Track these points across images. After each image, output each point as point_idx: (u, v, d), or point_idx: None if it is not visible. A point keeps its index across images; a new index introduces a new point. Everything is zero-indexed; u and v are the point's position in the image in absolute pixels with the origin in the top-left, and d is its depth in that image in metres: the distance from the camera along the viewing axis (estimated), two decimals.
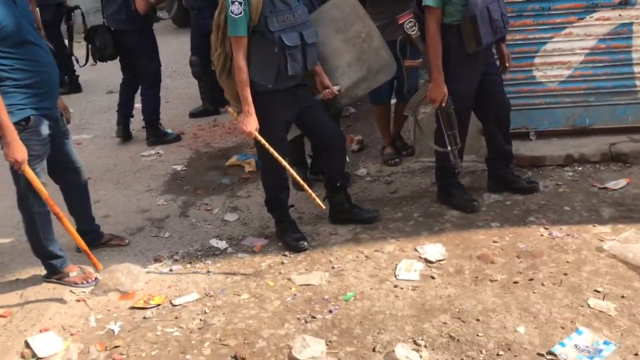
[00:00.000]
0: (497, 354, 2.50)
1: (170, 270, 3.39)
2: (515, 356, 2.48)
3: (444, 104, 3.46)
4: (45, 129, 3.04)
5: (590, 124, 4.39)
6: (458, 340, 2.61)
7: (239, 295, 3.08)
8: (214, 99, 5.89)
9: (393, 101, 4.54)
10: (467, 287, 2.98)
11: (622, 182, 3.89)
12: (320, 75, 3.47)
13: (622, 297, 2.78)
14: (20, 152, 2.85)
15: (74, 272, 3.25)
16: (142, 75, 5.42)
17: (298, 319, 2.85)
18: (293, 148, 4.06)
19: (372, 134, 5.02)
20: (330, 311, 2.88)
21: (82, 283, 3.22)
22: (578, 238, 3.32)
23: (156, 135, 5.49)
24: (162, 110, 5.66)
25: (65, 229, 3.14)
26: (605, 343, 2.50)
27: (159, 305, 3.06)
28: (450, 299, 2.89)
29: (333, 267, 3.26)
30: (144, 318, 2.97)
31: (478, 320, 2.72)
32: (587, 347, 2.49)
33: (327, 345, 2.65)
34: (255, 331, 2.79)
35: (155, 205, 4.26)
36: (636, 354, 2.42)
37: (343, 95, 3.60)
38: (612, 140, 4.31)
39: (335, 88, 3.49)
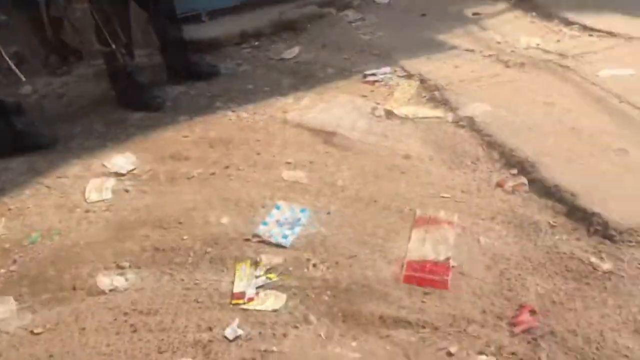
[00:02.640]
0: (206, 252, 2.42)
1: None
2: (224, 248, 2.44)
3: None
4: None
5: None
6: (163, 249, 2.46)
7: None
8: None
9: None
10: (165, 191, 2.82)
11: (296, 50, 4.01)
12: None
13: (310, 162, 2.91)
14: None
15: None
16: None
17: None
18: None
19: (31, 44, 4.32)
20: (15, 261, 2.47)
21: None
22: (265, 114, 3.35)
23: None
24: None
25: None
26: (301, 211, 2.60)
27: None
28: (148, 209, 2.70)
29: (9, 209, 2.78)
30: None
31: (181, 223, 2.59)
32: (286, 219, 2.56)
33: (17, 300, 2.28)
34: None
35: None
36: (328, 213, 2.57)
37: None
38: (281, 9, 4.38)
39: None
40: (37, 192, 2.89)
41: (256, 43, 4.18)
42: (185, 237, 2.51)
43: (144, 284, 2.30)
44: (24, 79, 3.84)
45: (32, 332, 2.14)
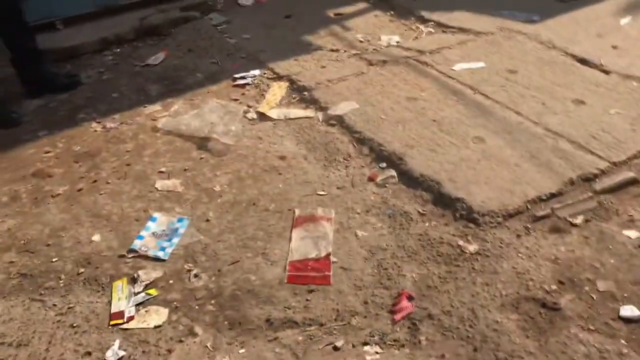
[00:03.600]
0: (78, 273, 2.30)
1: None
2: (97, 267, 2.32)
3: None
4: None
5: (117, 0, 4.21)
6: (31, 275, 2.30)
7: None
8: None
9: None
10: (28, 212, 2.63)
11: (161, 56, 3.90)
12: None
13: (185, 170, 2.84)
14: None
15: None
16: None
17: None
18: None
19: None
20: None
21: None
22: (133, 124, 3.22)
23: None
24: None
25: None
26: (179, 220, 2.54)
27: None
28: (11, 233, 2.51)
29: None
30: None
31: (49, 245, 2.44)
32: (163, 230, 2.49)
33: None
34: None
35: None
36: (208, 220, 2.53)
37: None
38: (142, 14, 4.24)
39: None
40: None
41: (118, 50, 4.01)
42: (54, 260, 2.36)
43: (12, 314, 2.14)
44: None
45: None
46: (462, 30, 4.03)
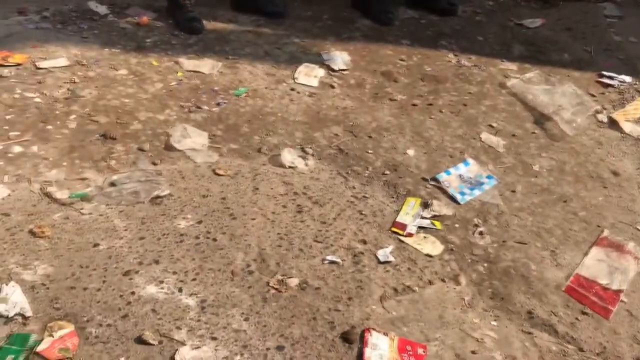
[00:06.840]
0: (383, 173, 2.44)
1: (37, 27, 2.91)
2: (400, 177, 2.43)
3: None
4: None
5: None
6: (347, 153, 2.51)
7: (116, 70, 2.72)
8: None
9: None
10: (365, 102, 2.84)
11: (538, 22, 3.77)
12: None
13: (513, 135, 2.78)
14: None
15: None
16: None
17: (181, 106, 2.59)
18: None
19: None
20: (218, 104, 2.64)
21: None
22: (484, 70, 3.22)
23: None
24: None
25: None
26: (488, 177, 2.51)
27: (19, 65, 2.64)
28: (346, 112, 2.74)
29: (227, 58, 2.95)
30: (1, 77, 2.56)
31: (370, 137, 2.62)
32: (470, 178, 2.49)
33: (210, 138, 2.45)
34: (130, 112, 2.51)
35: None
36: (513, 191, 2.46)
37: None
38: None
39: None
40: (254, 53, 3.03)
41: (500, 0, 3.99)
42: (369, 152, 2.53)
43: (319, 176, 2.37)
44: None
45: (214, 171, 2.29)
46: None
